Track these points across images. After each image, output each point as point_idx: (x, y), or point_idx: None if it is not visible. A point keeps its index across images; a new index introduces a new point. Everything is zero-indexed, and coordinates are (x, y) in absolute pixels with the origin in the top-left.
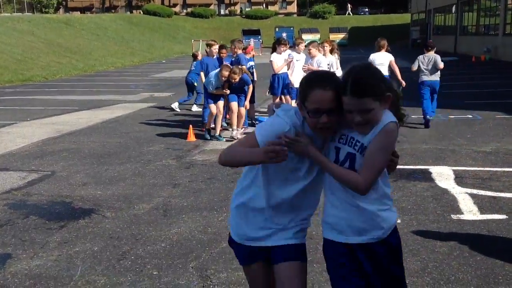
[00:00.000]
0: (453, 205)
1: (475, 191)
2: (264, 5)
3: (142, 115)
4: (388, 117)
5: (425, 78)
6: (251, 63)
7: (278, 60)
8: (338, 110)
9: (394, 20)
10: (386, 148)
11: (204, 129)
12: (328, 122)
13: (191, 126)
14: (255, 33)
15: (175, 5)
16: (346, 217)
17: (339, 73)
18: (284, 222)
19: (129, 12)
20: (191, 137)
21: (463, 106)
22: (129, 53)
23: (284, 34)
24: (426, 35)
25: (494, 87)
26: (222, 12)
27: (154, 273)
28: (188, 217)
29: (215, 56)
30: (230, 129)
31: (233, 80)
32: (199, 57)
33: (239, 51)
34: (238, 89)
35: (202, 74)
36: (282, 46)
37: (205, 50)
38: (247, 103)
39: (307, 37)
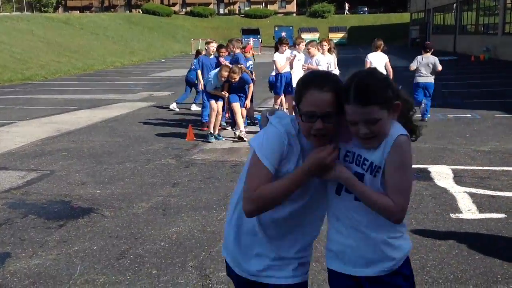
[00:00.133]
0: (452, 204)
1: (474, 190)
2: (263, 4)
3: (141, 114)
4: (396, 129)
5: (420, 79)
6: (250, 62)
7: (281, 60)
8: (335, 116)
9: (394, 19)
10: (404, 165)
11: (203, 129)
12: (323, 128)
13: (190, 125)
14: (255, 32)
15: (174, 4)
16: (352, 245)
17: (336, 72)
18: (282, 250)
19: (128, 11)
20: (191, 136)
21: (462, 105)
22: (128, 52)
23: (283, 34)
24: (426, 35)
25: (493, 86)
26: (222, 11)
27: (153, 272)
28: (187, 216)
29: (212, 55)
30: (236, 130)
31: (233, 80)
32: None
33: (237, 50)
34: (239, 89)
35: (199, 72)
36: (284, 45)
37: (205, 48)
38: (247, 102)
39: (306, 36)
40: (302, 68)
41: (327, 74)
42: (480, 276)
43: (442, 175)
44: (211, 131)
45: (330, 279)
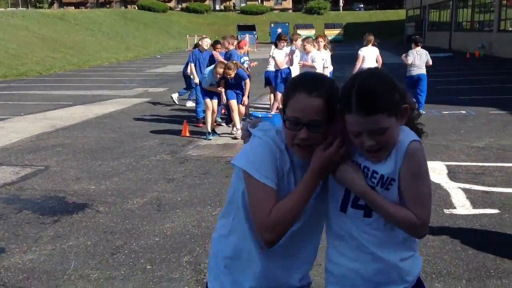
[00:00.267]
0: (446, 200)
1: (468, 186)
2: (259, 0)
3: (137, 110)
4: (407, 135)
5: (415, 72)
6: (245, 58)
7: (280, 56)
8: (324, 126)
9: (389, 16)
10: (421, 173)
11: (198, 125)
12: (308, 138)
13: (185, 121)
14: (250, 28)
15: (170, 0)
16: (359, 269)
17: (329, 70)
18: (279, 279)
19: (123, 7)
20: (185, 132)
21: (457, 101)
22: (123, 48)
23: (279, 30)
24: (421, 31)
25: (488, 83)
26: (217, 7)
27: (148, 267)
28: (182, 212)
29: (206, 50)
30: (232, 129)
31: (228, 76)
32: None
33: (232, 47)
34: (235, 86)
35: (192, 65)
36: (282, 41)
37: (198, 43)
38: (245, 99)
39: (302, 33)
40: (298, 65)
41: (319, 77)
42: (473, 271)
43: (436, 171)
44: (209, 130)
45: None
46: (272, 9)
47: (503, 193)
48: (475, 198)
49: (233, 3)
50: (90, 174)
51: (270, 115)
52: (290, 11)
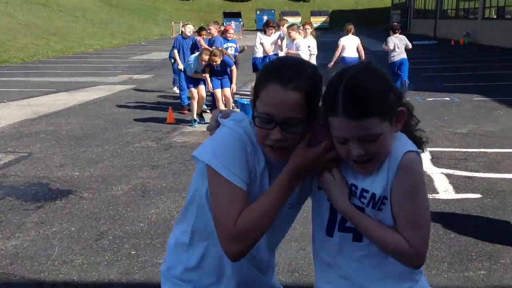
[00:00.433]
0: (428, 185)
1: (450, 171)
2: None
3: (121, 97)
4: (402, 144)
5: (397, 57)
6: (232, 44)
7: (268, 42)
8: (302, 124)
9: (376, 3)
10: (417, 190)
11: (183, 112)
12: (282, 140)
13: (170, 108)
14: (236, 15)
15: None
16: None
17: (314, 59)
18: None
19: None
20: (170, 119)
21: (441, 89)
22: (108, 35)
23: (265, 17)
24: (407, 19)
25: (472, 70)
26: None
27: (132, 252)
28: (166, 198)
29: (189, 37)
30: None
31: (214, 63)
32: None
33: (216, 34)
34: (220, 72)
35: (175, 51)
36: (271, 28)
37: (181, 30)
38: (233, 86)
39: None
40: (284, 53)
41: (298, 64)
42: (455, 254)
43: None
44: (194, 117)
45: None
46: None
47: (486, 178)
48: (457, 183)
49: None
50: (74, 160)
51: None
52: None
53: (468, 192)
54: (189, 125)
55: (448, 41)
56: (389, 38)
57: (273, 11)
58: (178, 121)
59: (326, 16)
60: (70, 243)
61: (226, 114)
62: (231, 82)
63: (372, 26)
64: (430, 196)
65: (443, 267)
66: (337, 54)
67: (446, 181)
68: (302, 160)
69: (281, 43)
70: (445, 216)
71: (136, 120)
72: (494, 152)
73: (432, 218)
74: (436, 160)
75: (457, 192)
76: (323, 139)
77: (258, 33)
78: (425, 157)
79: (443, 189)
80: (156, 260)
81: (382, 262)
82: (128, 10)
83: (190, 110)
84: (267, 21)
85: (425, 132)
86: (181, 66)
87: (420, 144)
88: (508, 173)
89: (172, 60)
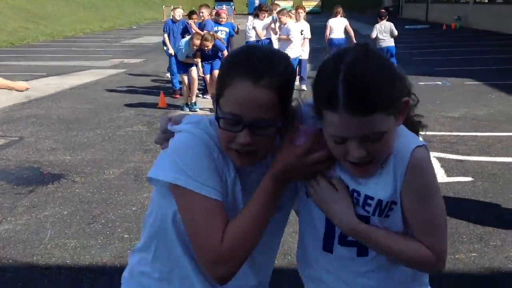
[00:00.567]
0: None
1: (442, 155)
2: None
3: (112, 81)
4: (406, 138)
5: (383, 44)
6: (224, 28)
7: (260, 26)
8: (276, 126)
9: None
10: (431, 189)
11: (175, 96)
12: (251, 143)
13: (162, 92)
14: None
15: None
16: None
17: (307, 43)
18: None
19: None
20: (162, 104)
21: (433, 73)
22: (98, 19)
23: (256, 1)
24: (398, 3)
25: (464, 54)
26: None
27: (125, 236)
28: None
29: (178, 21)
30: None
31: (205, 48)
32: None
33: (207, 17)
34: (212, 57)
35: (166, 36)
36: (263, 12)
37: (171, 14)
38: None
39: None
40: (279, 40)
41: (270, 56)
42: None
43: None
44: (187, 101)
45: None
46: None
47: (477, 161)
48: (449, 167)
49: None
50: (66, 145)
51: None
52: None
53: (460, 176)
54: (181, 110)
55: (440, 25)
56: (375, 25)
57: None
58: (170, 106)
59: (318, 0)
60: (63, 227)
61: (177, 120)
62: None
63: (364, 10)
64: None
65: None
66: (327, 33)
67: (437, 164)
68: (290, 162)
69: (275, 26)
70: None
71: (127, 104)
72: (485, 136)
73: None
74: (428, 143)
75: (448, 175)
76: (307, 140)
77: (250, 17)
78: None
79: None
80: None
81: (392, 273)
82: None
83: (182, 94)
84: (259, 5)
85: (423, 117)
86: (171, 51)
87: (417, 130)
88: (499, 156)
89: (165, 47)
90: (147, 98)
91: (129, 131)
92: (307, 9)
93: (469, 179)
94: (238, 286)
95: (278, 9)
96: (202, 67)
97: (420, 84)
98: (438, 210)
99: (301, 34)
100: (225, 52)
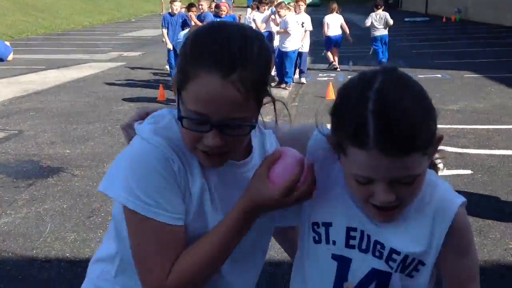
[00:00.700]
0: None
1: (441, 148)
2: None
3: (111, 74)
4: (446, 191)
5: (377, 33)
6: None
7: (260, 19)
8: (247, 125)
9: None
10: (472, 244)
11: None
12: (222, 146)
13: (161, 86)
14: None
15: None
16: None
17: (308, 35)
18: None
19: None
20: (162, 97)
21: (433, 65)
22: (97, 12)
23: None
24: None
25: (464, 47)
26: None
27: None
28: None
29: (176, 14)
30: None
31: None
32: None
33: (206, 9)
34: None
35: (164, 31)
36: (263, 5)
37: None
38: None
39: None
40: (277, 33)
41: (239, 40)
42: None
43: None
44: None
45: None
46: None
47: (476, 154)
48: (448, 160)
49: None
50: (65, 138)
51: None
52: None
53: (459, 168)
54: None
55: (439, 18)
56: (370, 14)
57: None
58: (170, 99)
59: None
60: (62, 220)
61: (142, 115)
62: None
63: (363, 2)
64: None
65: None
66: (324, 29)
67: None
68: (262, 199)
69: (275, 17)
70: None
71: (127, 97)
72: (484, 129)
73: None
74: None
75: (448, 168)
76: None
77: (248, 10)
78: None
79: None
80: None
81: None
82: None
83: None
84: None
85: (444, 157)
86: (169, 45)
87: (436, 171)
88: (498, 149)
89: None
90: (146, 91)
91: None
92: (307, 2)
93: (469, 172)
94: None
95: (277, 2)
96: None
97: (420, 76)
98: (476, 259)
99: (302, 26)
100: None
